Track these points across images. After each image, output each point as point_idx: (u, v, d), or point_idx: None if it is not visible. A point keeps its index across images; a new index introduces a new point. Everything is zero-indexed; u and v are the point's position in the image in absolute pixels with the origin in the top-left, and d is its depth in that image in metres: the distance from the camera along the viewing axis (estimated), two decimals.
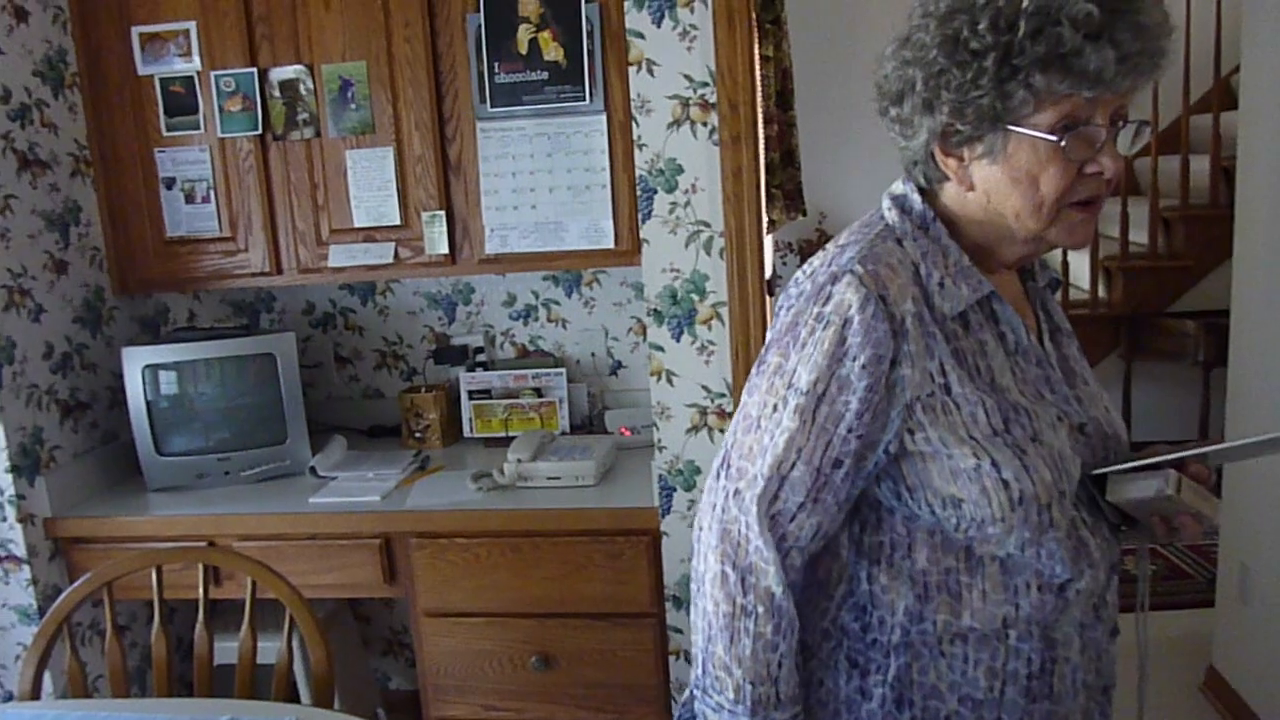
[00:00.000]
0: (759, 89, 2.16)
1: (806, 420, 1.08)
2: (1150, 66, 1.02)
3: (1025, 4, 0.99)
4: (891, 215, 1.16)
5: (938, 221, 1.14)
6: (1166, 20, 1.02)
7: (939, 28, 1.05)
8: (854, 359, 1.06)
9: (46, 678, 1.87)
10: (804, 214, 3.33)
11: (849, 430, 1.07)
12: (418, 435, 2.75)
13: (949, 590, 1.10)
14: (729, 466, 1.13)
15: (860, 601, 1.14)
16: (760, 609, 1.09)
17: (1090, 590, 1.13)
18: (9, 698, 2.41)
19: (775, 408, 1.10)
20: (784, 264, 5.16)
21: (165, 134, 2.52)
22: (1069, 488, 1.11)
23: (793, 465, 1.08)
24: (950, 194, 1.14)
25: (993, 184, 1.09)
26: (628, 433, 2.65)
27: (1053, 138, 1.03)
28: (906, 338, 1.07)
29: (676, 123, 2.08)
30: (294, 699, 2.38)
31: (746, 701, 1.10)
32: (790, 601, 1.10)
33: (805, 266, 1.19)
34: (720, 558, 1.11)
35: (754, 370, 1.16)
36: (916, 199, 1.15)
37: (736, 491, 1.11)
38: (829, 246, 1.18)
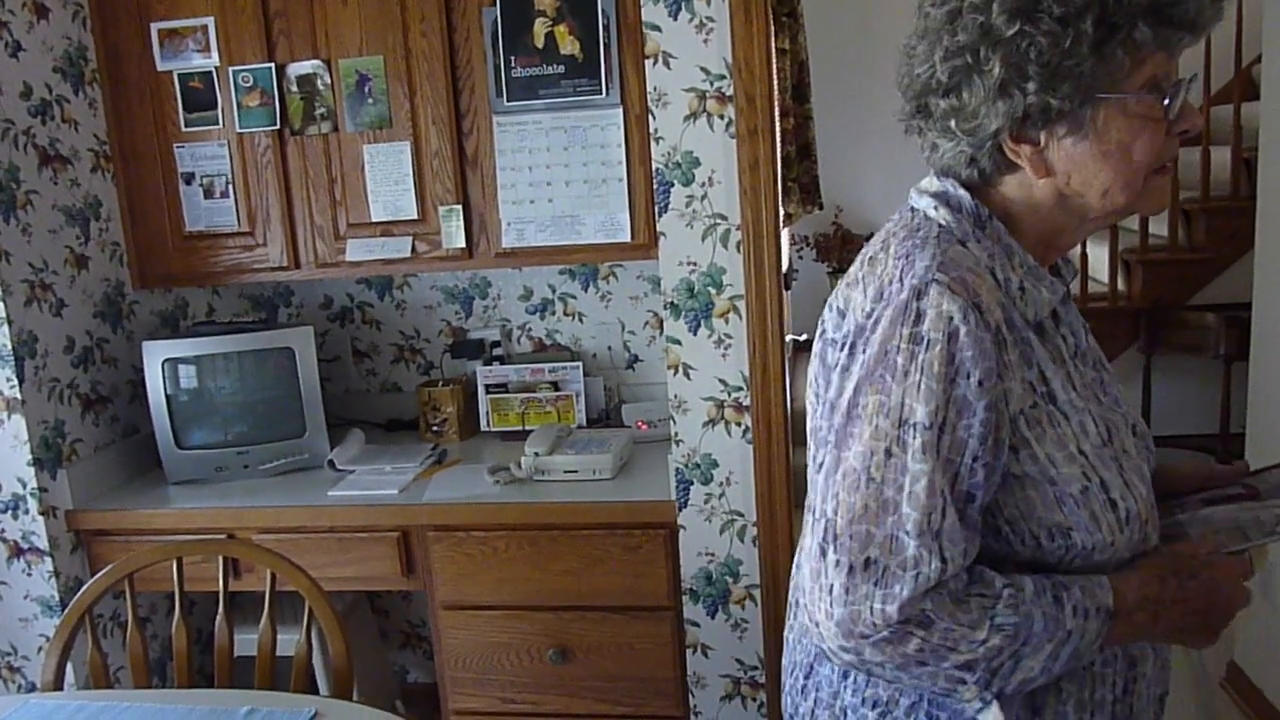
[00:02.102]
0: (775, 82, 2.15)
1: (932, 456, 0.94)
2: (1223, 6, 0.97)
3: None
4: (941, 215, 1.05)
5: (994, 218, 1.04)
6: None
7: (997, 3, 0.94)
8: (968, 376, 0.94)
9: (69, 669, 1.89)
10: (820, 207, 3.33)
11: (974, 459, 0.95)
12: (435, 429, 2.76)
13: None
14: (837, 537, 0.96)
15: None
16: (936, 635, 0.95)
17: None
18: (32, 689, 2.43)
19: (889, 453, 0.95)
20: (800, 257, 5.15)
21: (184, 129, 2.53)
22: (1153, 499, 1.05)
23: (942, 511, 0.94)
24: (1014, 185, 1.04)
25: (1077, 163, 0.99)
26: (644, 426, 2.65)
27: (1153, 96, 0.95)
28: (1005, 347, 0.97)
29: (693, 116, 2.08)
30: (313, 690, 2.39)
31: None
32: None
33: (854, 288, 1.05)
34: (854, 648, 0.95)
35: (840, 421, 1.00)
36: (965, 195, 1.05)
37: (870, 562, 0.94)
38: (883, 259, 1.05)
